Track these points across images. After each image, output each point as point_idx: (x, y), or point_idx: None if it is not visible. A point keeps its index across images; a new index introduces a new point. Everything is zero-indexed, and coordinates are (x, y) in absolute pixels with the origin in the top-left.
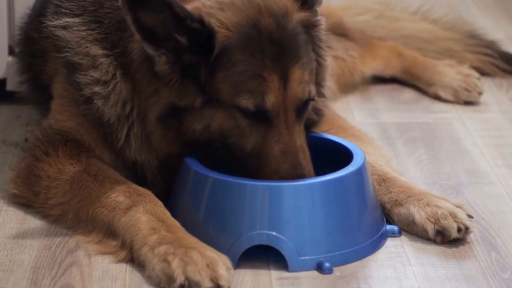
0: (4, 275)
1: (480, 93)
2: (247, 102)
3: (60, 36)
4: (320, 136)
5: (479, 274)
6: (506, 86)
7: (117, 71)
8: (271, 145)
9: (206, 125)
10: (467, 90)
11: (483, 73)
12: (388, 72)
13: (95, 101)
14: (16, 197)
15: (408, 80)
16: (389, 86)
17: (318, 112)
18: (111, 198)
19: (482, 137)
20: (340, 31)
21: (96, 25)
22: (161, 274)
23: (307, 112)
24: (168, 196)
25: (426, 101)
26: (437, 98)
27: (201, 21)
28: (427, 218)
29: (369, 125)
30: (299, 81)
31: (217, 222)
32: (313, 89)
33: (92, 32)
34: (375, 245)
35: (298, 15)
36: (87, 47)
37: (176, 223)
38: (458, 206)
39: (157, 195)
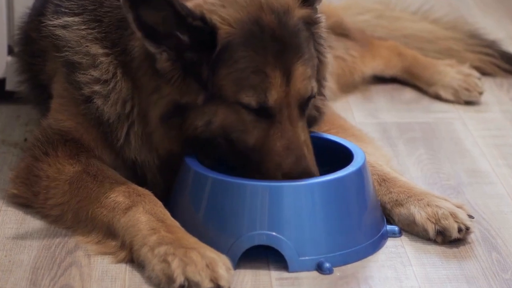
0: (3, 275)
1: (480, 93)
2: (249, 98)
3: (60, 36)
4: (320, 136)
5: (480, 275)
6: (507, 86)
7: (117, 70)
8: (274, 141)
9: (208, 122)
10: (467, 90)
11: (483, 72)
12: (389, 72)
13: (95, 100)
14: (16, 197)
15: (409, 80)
16: (389, 86)
17: (318, 109)
18: (110, 198)
19: (482, 137)
20: (341, 31)
21: (96, 24)
22: (161, 274)
23: (309, 109)
24: (168, 196)
25: (426, 101)
26: (438, 98)
27: (202, 18)
28: (428, 218)
29: (369, 125)
30: (302, 77)
31: (217, 222)
32: (315, 85)
33: (92, 31)
34: (375, 245)
35: (300, 12)
36: (87, 46)
37: (176, 223)
38: (459, 206)
39: (157, 195)
